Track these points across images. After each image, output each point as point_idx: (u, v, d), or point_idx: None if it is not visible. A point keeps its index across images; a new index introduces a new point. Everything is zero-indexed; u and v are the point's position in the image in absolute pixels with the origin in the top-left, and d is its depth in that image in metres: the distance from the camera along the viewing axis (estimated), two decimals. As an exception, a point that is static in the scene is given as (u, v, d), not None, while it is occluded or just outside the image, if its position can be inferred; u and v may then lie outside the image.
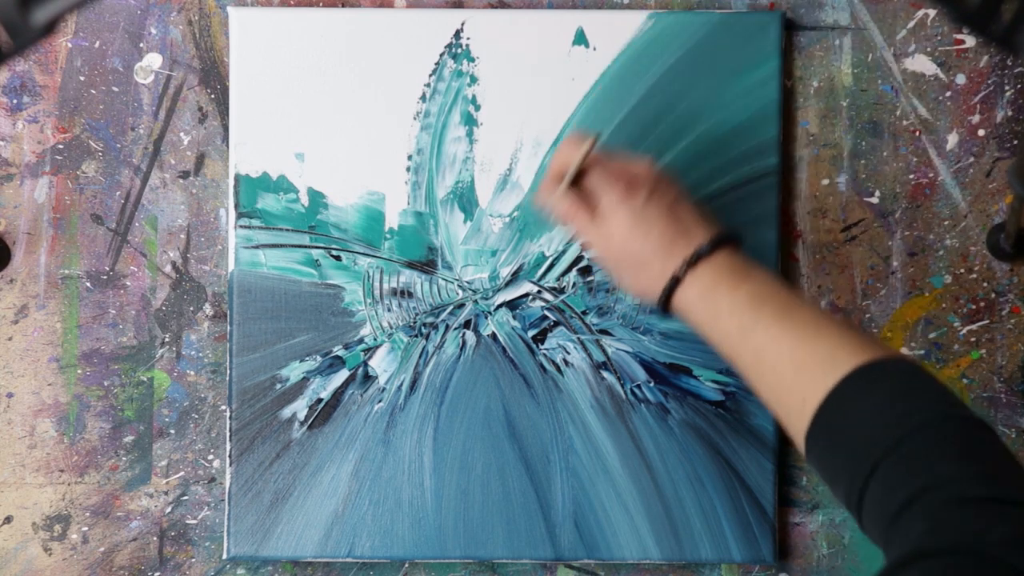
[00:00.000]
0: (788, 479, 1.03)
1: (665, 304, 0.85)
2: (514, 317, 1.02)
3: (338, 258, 1.01)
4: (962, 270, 1.03)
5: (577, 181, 0.87)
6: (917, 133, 1.03)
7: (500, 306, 1.02)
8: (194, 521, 1.03)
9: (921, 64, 1.02)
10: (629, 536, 1.01)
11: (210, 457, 1.03)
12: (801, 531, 1.03)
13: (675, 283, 0.83)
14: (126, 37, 1.02)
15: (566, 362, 1.01)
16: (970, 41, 1.02)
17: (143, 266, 1.03)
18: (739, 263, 0.84)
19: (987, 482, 0.69)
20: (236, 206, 1.01)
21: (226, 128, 1.02)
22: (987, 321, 1.03)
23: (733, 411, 1.01)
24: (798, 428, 0.78)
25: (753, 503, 1.01)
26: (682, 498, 1.01)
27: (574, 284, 1.02)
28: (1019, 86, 1.02)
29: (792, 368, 0.78)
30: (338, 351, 1.01)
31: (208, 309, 1.03)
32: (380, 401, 1.01)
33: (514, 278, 1.02)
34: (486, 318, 1.02)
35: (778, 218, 1.01)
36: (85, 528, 1.02)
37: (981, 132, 1.03)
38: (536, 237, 1.02)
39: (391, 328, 1.02)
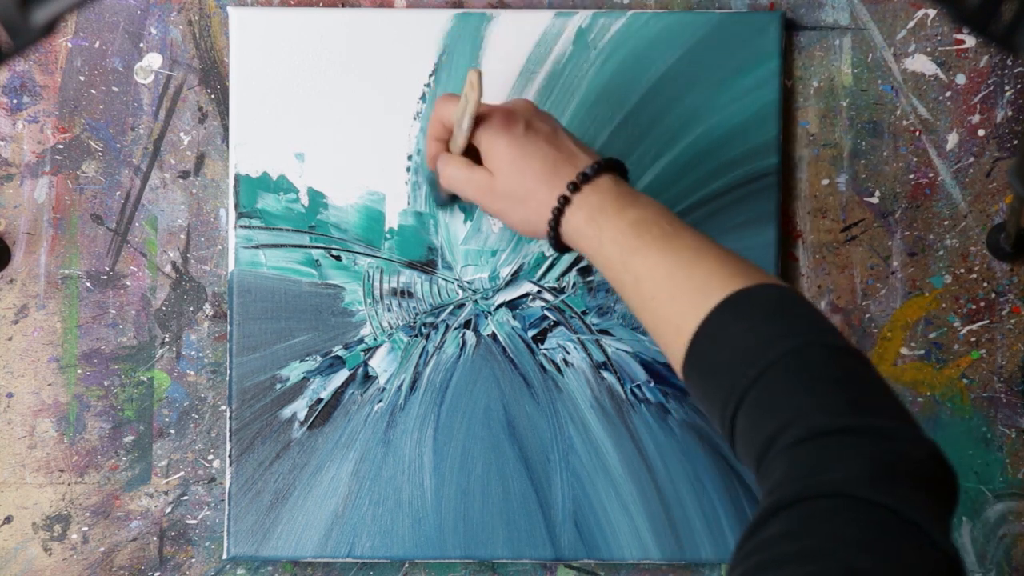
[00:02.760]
0: (788, 479, 1.03)
1: (556, 235, 0.84)
2: (514, 317, 1.02)
3: (338, 258, 1.01)
4: (962, 270, 1.03)
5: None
6: (917, 133, 1.03)
7: (500, 306, 1.02)
8: (194, 521, 1.03)
9: (921, 64, 1.02)
10: (629, 536, 1.01)
11: (210, 457, 1.03)
12: (801, 531, 1.03)
13: (562, 208, 0.82)
14: (126, 37, 1.02)
15: (566, 362, 1.01)
16: (970, 41, 1.02)
17: (143, 266, 1.03)
18: (624, 189, 0.83)
19: (846, 412, 0.67)
20: (236, 206, 1.01)
21: (226, 128, 1.02)
22: (987, 321, 1.03)
23: (733, 411, 1.01)
24: (676, 359, 0.77)
25: (753, 503, 1.01)
26: (682, 498, 1.01)
27: (574, 284, 1.02)
28: (1019, 86, 1.02)
29: (668, 297, 0.77)
30: (338, 351, 1.01)
31: (208, 309, 1.03)
32: (380, 401, 1.01)
33: (514, 278, 1.02)
34: (486, 318, 1.02)
35: (778, 218, 1.01)
36: (85, 528, 1.02)
37: (981, 132, 1.03)
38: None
39: (391, 328, 1.02)
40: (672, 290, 0.77)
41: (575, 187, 0.82)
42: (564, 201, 0.82)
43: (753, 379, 0.70)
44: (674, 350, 0.77)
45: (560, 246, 0.85)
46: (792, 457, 0.66)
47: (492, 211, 0.88)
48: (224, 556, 1.01)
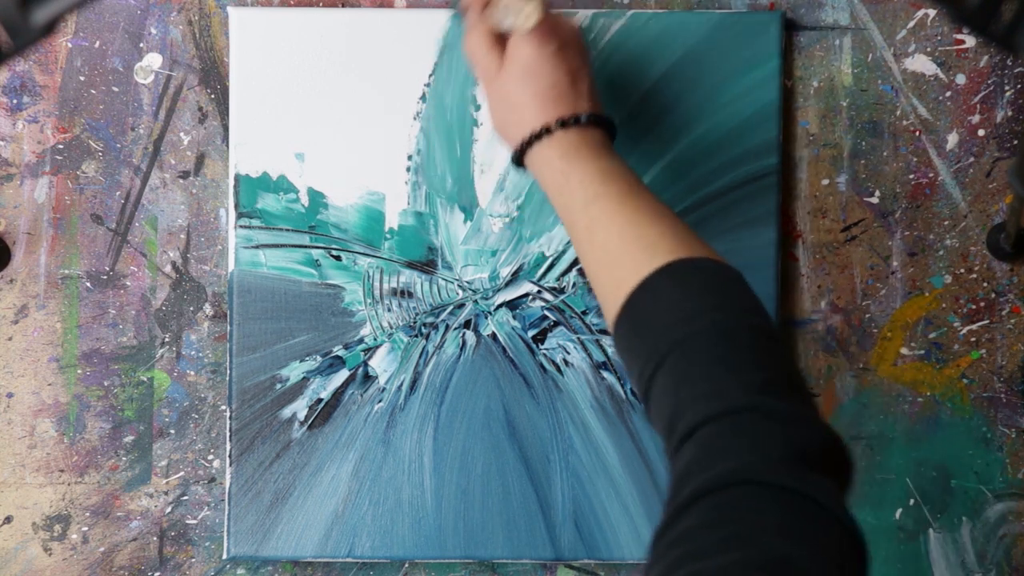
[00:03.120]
0: (788, 479, 1.02)
1: (521, 154, 0.86)
2: (514, 317, 1.02)
3: (338, 258, 1.01)
4: (962, 270, 1.03)
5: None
6: (917, 133, 1.03)
7: (500, 306, 1.02)
8: (194, 521, 1.03)
9: (921, 64, 1.02)
10: (629, 536, 1.01)
11: (210, 457, 1.03)
12: (801, 531, 1.03)
13: (541, 134, 0.84)
14: (126, 37, 1.02)
15: (566, 362, 1.01)
16: (970, 41, 1.02)
17: (143, 266, 1.03)
18: (605, 145, 0.85)
19: (761, 394, 0.68)
20: (236, 206, 1.01)
21: (226, 128, 1.02)
22: (987, 321, 1.03)
23: (733, 411, 1.01)
24: (612, 310, 0.78)
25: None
26: (682, 498, 1.01)
27: (574, 284, 1.02)
28: (1019, 86, 1.02)
29: (616, 248, 0.79)
30: (338, 351, 1.01)
31: (208, 309, 1.03)
32: (380, 401, 1.01)
33: (514, 278, 1.02)
34: (486, 318, 1.02)
35: (778, 218, 1.01)
36: (85, 528, 1.02)
37: (981, 132, 1.03)
38: (536, 237, 1.02)
39: (391, 328, 1.02)
40: (622, 243, 0.79)
41: (563, 124, 0.84)
42: (546, 131, 0.84)
43: (677, 343, 0.72)
44: (610, 302, 0.79)
45: (519, 163, 0.87)
46: (702, 440, 0.68)
47: (485, 95, 0.89)
48: (224, 556, 1.01)
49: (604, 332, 1.01)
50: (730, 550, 0.61)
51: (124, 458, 1.03)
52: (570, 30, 0.87)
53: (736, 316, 0.73)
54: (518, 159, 0.87)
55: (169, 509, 1.03)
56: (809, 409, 0.70)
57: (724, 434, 0.67)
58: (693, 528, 0.63)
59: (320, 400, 1.01)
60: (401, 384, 1.01)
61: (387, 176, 1.01)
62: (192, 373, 1.03)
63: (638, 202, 0.81)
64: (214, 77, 1.02)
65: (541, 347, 1.01)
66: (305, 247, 1.01)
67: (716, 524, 0.63)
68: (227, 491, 1.01)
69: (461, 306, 1.02)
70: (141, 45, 1.02)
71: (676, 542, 0.63)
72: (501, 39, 0.88)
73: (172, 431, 1.03)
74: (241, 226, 1.01)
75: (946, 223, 1.03)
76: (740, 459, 0.65)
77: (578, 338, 1.01)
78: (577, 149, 0.83)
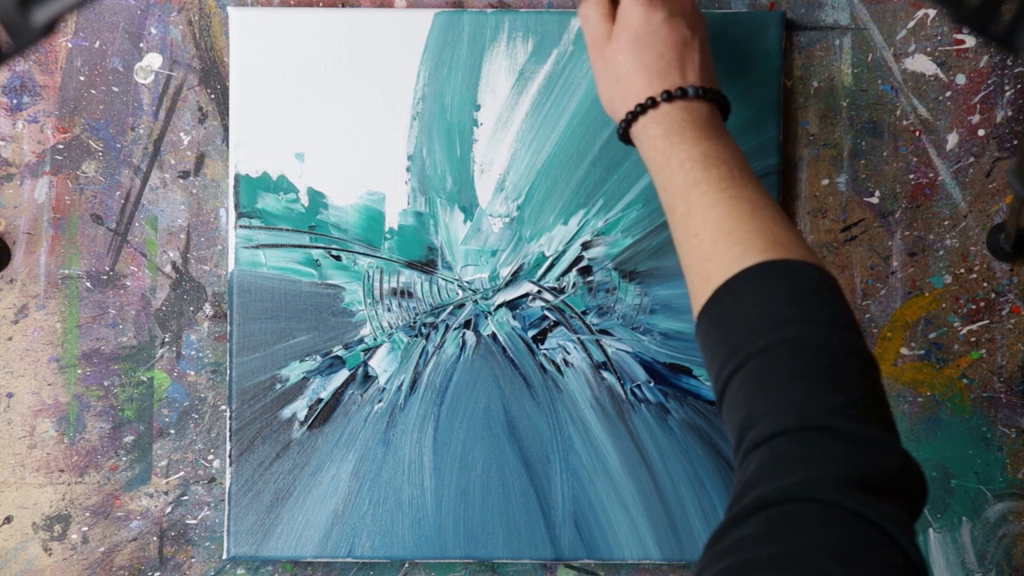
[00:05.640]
0: (788, 479, 1.02)
1: (626, 128, 0.84)
2: (514, 317, 1.02)
3: (338, 258, 1.01)
4: (962, 270, 1.03)
5: None
6: (917, 133, 1.03)
7: (500, 306, 1.02)
8: (194, 521, 1.03)
9: (921, 64, 1.02)
10: (629, 536, 1.01)
11: (210, 457, 1.03)
12: (801, 531, 1.03)
13: (647, 106, 0.82)
14: (126, 37, 1.02)
15: (566, 362, 1.01)
16: (970, 41, 1.02)
17: (143, 266, 1.03)
18: (713, 121, 0.82)
19: (834, 412, 0.67)
20: (236, 206, 1.01)
21: (226, 128, 1.02)
22: (987, 321, 1.03)
23: (733, 411, 1.01)
24: (698, 302, 0.77)
25: (753, 503, 1.01)
26: (682, 498, 1.01)
27: (574, 284, 1.02)
28: (1019, 86, 1.02)
29: (710, 239, 0.76)
30: (338, 351, 1.01)
31: (208, 309, 1.03)
32: (380, 401, 1.01)
33: (514, 278, 1.02)
34: (486, 318, 1.02)
35: (778, 218, 1.01)
36: (85, 528, 1.02)
37: (981, 132, 1.03)
38: (536, 237, 1.02)
39: (391, 328, 1.02)
40: (716, 235, 0.76)
41: (668, 96, 0.82)
42: (651, 103, 0.82)
43: (760, 349, 0.70)
44: (698, 293, 0.77)
45: (625, 139, 0.85)
46: (773, 450, 0.66)
47: (592, 65, 0.87)
48: (224, 556, 1.01)
49: (604, 332, 1.01)
50: (782, 567, 0.60)
51: (124, 458, 1.03)
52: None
53: (822, 330, 0.70)
54: (623, 133, 0.84)
55: (169, 509, 1.03)
56: (885, 434, 0.68)
57: (793, 449, 0.66)
58: (749, 538, 0.62)
59: (320, 400, 1.01)
60: (401, 384, 1.01)
61: (387, 176, 1.01)
62: (192, 373, 1.03)
63: (738, 192, 0.78)
64: (214, 77, 1.02)
65: (541, 347, 1.01)
66: (305, 247, 1.01)
67: (772, 538, 0.62)
68: (227, 491, 1.01)
69: (461, 306, 1.02)
70: (141, 45, 1.02)
71: (730, 549, 0.63)
72: (614, 11, 0.86)
73: (172, 431, 1.03)
74: (241, 226, 1.01)
75: (946, 223, 1.03)
76: (805, 475, 0.64)
77: (578, 338, 1.01)
78: (681, 128, 0.81)
